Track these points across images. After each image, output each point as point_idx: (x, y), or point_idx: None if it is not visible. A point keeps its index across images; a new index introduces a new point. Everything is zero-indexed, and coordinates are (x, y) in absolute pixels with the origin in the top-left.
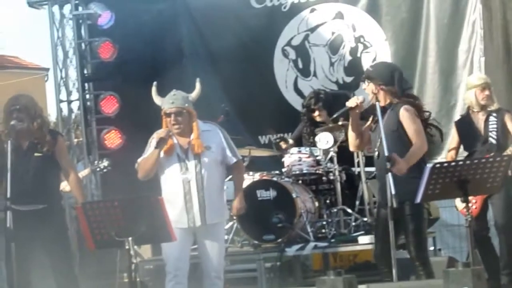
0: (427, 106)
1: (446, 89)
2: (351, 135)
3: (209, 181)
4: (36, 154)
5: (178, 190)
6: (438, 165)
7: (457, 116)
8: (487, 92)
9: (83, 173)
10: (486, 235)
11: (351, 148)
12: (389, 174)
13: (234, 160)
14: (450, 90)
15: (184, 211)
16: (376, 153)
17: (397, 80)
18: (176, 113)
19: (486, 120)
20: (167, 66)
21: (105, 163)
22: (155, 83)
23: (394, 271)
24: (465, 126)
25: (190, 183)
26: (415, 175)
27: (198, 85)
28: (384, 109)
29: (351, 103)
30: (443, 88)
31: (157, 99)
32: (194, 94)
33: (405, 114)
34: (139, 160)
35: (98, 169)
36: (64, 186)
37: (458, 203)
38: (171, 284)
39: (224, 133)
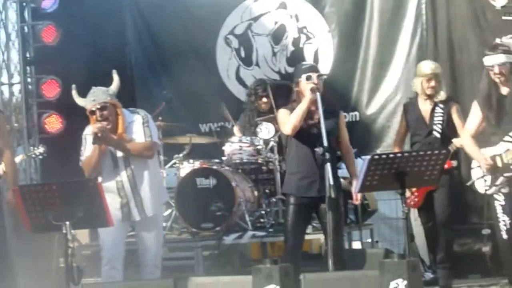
0: (366, 99)
1: (386, 82)
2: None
3: (140, 175)
4: None
5: (111, 187)
6: (376, 157)
7: (398, 109)
8: (432, 83)
9: (18, 158)
10: (433, 226)
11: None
12: (328, 165)
13: (143, 139)
14: (391, 84)
15: (119, 206)
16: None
17: None
18: (101, 109)
19: (432, 111)
20: (109, 51)
21: (41, 149)
22: (74, 86)
23: (330, 261)
24: (412, 110)
25: (123, 180)
26: None
27: (115, 77)
28: None
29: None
30: (383, 82)
31: (79, 101)
32: (113, 87)
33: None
34: (82, 159)
35: (33, 155)
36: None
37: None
38: (106, 268)
39: (145, 118)
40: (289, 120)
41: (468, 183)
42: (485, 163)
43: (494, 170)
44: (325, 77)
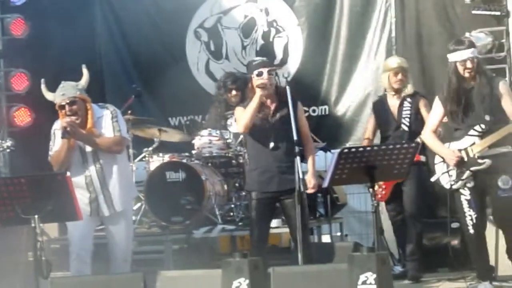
0: (335, 93)
1: (356, 76)
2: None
3: (109, 170)
4: None
5: (80, 182)
6: (346, 150)
7: (367, 103)
8: (399, 77)
9: None
10: (402, 220)
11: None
12: (297, 159)
13: (112, 134)
14: (360, 78)
15: (87, 202)
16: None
17: None
18: (70, 103)
19: (400, 105)
20: (79, 45)
21: (8, 143)
22: (43, 80)
23: (299, 255)
24: (380, 108)
25: (91, 175)
26: None
27: (85, 71)
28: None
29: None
30: (353, 75)
31: (48, 95)
32: (83, 82)
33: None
34: (51, 153)
35: (1, 148)
36: None
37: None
38: (75, 263)
39: (114, 113)
40: (241, 118)
41: (433, 179)
42: (454, 157)
43: (460, 165)
44: (278, 70)
